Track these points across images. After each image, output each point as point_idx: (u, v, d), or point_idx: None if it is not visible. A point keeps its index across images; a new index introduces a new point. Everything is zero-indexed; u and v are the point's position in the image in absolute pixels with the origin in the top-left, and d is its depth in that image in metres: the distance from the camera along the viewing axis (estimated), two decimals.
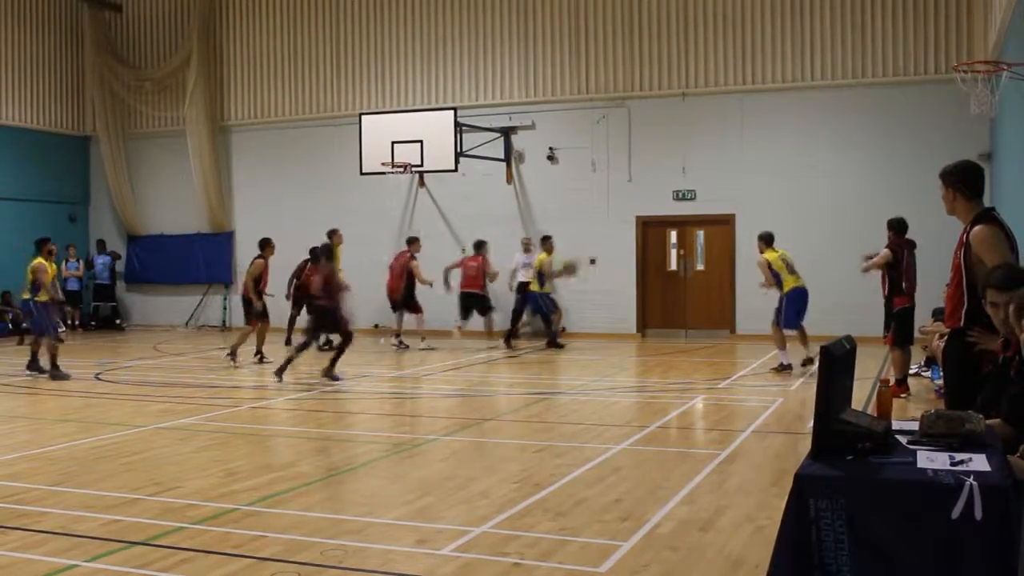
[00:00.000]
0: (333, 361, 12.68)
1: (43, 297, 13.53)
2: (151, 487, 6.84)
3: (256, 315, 14.93)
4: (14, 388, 12.47)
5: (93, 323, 22.60)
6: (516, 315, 17.74)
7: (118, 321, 22.76)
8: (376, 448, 8.48)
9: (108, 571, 5.02)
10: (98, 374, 13.83)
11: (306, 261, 17.04)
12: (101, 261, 22.79)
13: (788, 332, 13.10)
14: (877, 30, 17.45)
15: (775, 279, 13.15)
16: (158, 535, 5.63)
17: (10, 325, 20.85)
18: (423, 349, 16.64)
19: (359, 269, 17.83)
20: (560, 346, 16.99)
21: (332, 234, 16.51)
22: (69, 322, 22.15)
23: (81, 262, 22.43)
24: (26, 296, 13.69)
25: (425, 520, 5.97)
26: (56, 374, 13.14)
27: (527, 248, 18.17)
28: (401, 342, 17.04)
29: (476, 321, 19.75)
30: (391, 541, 5.55)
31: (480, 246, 17.72)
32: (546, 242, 17.33)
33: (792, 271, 13.19)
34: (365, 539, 5.62)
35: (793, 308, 13.06)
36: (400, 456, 8.13)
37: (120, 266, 23.29)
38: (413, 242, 17.65)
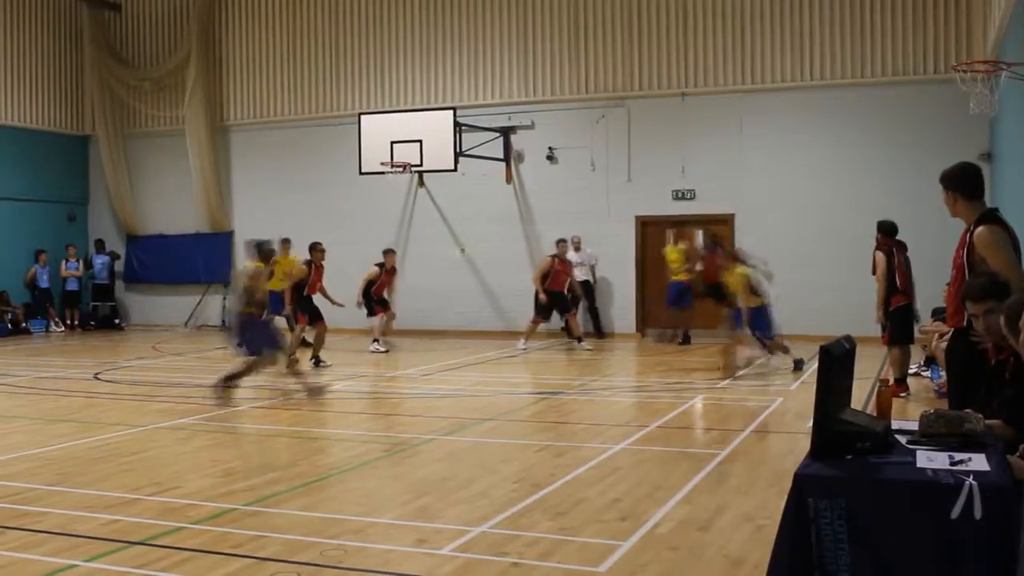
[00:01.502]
0: (732, 354, 13.40)
1: (252, 308, 10.91)
2: (150, 487, 6.84)
3: (307, 316, 14.74)
4: (13, 388, 12.47)
5: (92, 323, 22.60)
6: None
7: (117, 321, 22.75)
8: (375, 448, 8.48)
9: (108, 571, 5.02)
10: (97, 374, 13.82)
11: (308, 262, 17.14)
12: (100, 261, 22.79)
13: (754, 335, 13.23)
14: (876, 30, 17.45)
15: (756, 292, 13.19)
16: (157, 535, 5.62)
17: (9, 325, 20.86)
18: (381, 351, 16.51)
19: (357, 269, 17.79)
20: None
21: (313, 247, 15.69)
22: (68, 322, 22.18)
23: (81, 262, 22.44)
24: (246, 308, 10.79)
25: (424, 520, 5.97)
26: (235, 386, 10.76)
27: (578, 247, 18.29)
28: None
29: (476, 321, 19.80)
30: (390, 541, 5.55)
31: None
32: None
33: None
34: (364, 539, 5.62)
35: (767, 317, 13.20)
36: (399, 456, 8.13)
37: (119, 266, 23.29)
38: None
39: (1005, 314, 4.22)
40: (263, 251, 11.40)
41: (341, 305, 15.48)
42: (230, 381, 10.57)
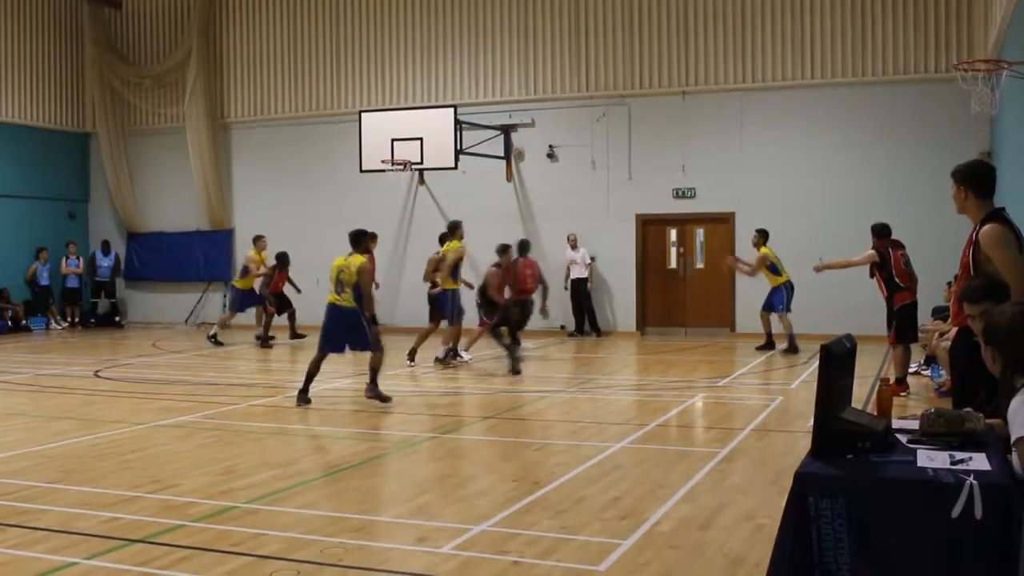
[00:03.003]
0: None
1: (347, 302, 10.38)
2: (150, 484, 6.84)
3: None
4: (14, 385, 12.47)
5: (92, 320, 22.60)
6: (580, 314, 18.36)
7: (117, 318, 22.75)
8: (375, 446, 8.48)
9: (107, 569, 5.02)
10: (97, 371, 13.83)
11: (274, 268, 17.42)
12: (105, 262, 22.75)
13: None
14: (877, 29, 17.45)
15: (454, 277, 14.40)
16: (157, 533, 5.63)
17: (9, 322, 20.86)
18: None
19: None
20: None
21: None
22: (69, 319, 22.18)
23: (81, 260, 22.44)
24: (345, 303, 10.33)
25: (424, 518, 5.97)
26: (376, 393, 10.49)
27: (574, 244, 18.28)
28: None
29: (476, 319, 19.77)
30: (390, 539, 5.55)
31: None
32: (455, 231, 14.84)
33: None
34: (364, 537, 5.62)
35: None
36: (399, 454, 8.13)
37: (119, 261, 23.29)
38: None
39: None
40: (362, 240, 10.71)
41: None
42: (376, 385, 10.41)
